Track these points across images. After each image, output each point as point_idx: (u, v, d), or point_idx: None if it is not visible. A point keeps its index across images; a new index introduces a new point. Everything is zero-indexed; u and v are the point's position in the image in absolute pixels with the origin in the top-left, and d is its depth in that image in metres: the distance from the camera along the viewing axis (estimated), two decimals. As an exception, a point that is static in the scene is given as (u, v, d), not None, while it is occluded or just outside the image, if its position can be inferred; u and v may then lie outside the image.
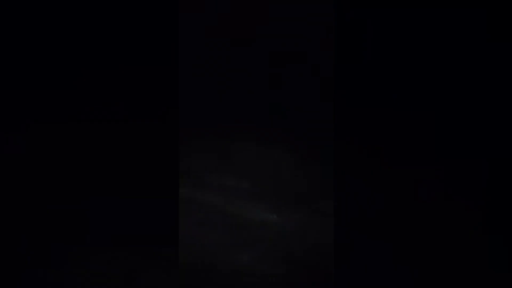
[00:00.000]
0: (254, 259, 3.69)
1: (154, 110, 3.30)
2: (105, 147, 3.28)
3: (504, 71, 3.16)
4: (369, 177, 3.20)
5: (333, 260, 3.34)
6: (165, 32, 3.33)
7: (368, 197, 3.19)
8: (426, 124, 3.20)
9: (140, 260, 3.26)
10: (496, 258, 3.10)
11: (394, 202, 3.18)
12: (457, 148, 3.18)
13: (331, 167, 3.64)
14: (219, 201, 3.83)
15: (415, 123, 3.21)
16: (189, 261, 3.59)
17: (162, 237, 3.21)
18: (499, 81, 3.17)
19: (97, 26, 3.30)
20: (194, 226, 3.72)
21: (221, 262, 3.65)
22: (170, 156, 3.30)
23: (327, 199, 3.69)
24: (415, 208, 3.18)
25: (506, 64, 3.16)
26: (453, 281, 3.13)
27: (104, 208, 3.25)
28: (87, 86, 3.30)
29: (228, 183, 3.84)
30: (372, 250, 3.18)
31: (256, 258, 3.69)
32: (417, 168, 3.19)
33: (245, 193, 3.85)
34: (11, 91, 3.22)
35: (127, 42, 3.30)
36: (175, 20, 3.32)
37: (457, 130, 3.17)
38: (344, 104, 3.24)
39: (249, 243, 3.73)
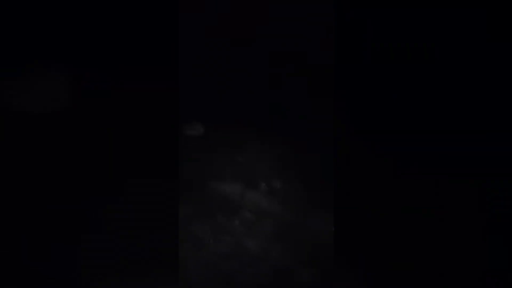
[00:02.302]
0: (252, 265, 3.70)
1: (154, 111, 3.31)
2: (104, 146, 3.29)
3: (504, 72, 3.17)
4: (370, 177, 3.21)
5: (333, 260, 3.34)
6: (165, 32, 3.34)
7: (368, 197, 3.20)
8: (426, 124, 3.21)
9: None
10: (497, 259, 3.11)
11: (395, 202, 3.19)
12: (458, 148, 3.19)
13: (331, 167, 3.64)
14: (220, 206, 3.83)
15: (415, 123, 3.21)
16: (189, 277, 3.59)
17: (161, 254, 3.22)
18: (499, 82, 3.17)
19: (97, 26, 3.30)
20: (194, 235, 3.72)
21: (222, 274, 3.66)
22: (170, 157, 3.30)
23: (327, 200, 3.70)
24: (416, 208, 3.19)
25: (506, 64, 3.16)
26: (453, 281, 3.14)
27: (101, 209, 3.25)
28: (86, 85, 3.30)
29: (229, 187, 3.85)
30: (372, 251, 3.18)
31: (255, 264, 3.70)
32: (417, 168, 3.19)
33: (245, 195, 3.85)
34: (9, 88, 3.22)
35: (126, 42, 3.30)
36: (175, 20, 3.33)
37: (457, 129, 3.18)
38: (344, 104, 3.24)
39: (249, 248, 3.73)
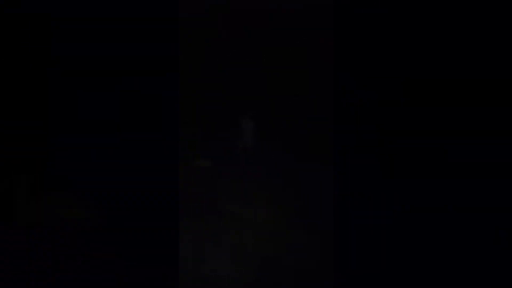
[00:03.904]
0: (253, 265, 3.70)
1: (154, 112, 3.30)
2: (104, 148, 3.28)
3: (504, 70, 3.16)
4: (370, 176, 3.20)
5: (333, 259, 3.34)
6: (165, 31, 3.33)
7: (368, 198, 3.19)
8: (427, 123, 3.20)
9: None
10: (497, 254, 3.10)
11: (395, 202, 3.18)
12: (460, 148, 3.18)
13: (331, 167, 3.65)
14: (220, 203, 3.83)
15: (415, 122, 3.21)
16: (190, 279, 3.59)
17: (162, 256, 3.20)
18: (500, 77, 3.16)
19: (98, 26, 3.30)
20: (194, 233, 3.72)
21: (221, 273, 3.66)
22: (171, 159, 3.29)
23: (327, 200, 3.70)
24: (415, 207, 3.18)
25: (506, 63, 3.16)
26: (453, 279, 3.13)
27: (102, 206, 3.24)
28: (86, 85, 3.29)
29: (229, 187, 3.85)
30: (372, 250, 3.18)
31: (255, 263, 3.69)
32: (417, 168, 3.19)
33: (246, 194, 3.86)
34: (9, 101, 3.22)
35: (127, 41, 3.30)
36: (175, 19, 3.32)
37: (459, 129, 3.17)
38: (344, 104, 3.24)
39: (248, 247, 3.73)
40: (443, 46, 3.21)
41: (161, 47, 3.34)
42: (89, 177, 3.25)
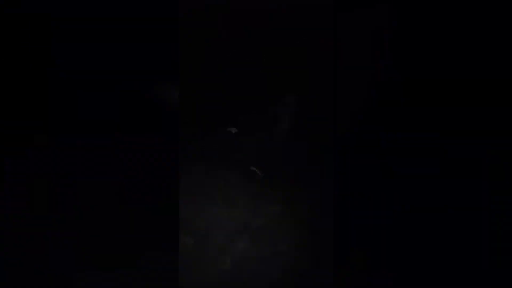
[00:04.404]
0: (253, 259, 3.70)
1: (153, 113, 3.29)
2: (105, 151, 3.28)
3: (504, 70, 3.16)
4: (370, 176, 3.20)
5: (333, 259, 3.34)
6: (165, 31, 3.32)
7: (368, 198, 3.19)
8: (427, 123, 3.20)
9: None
10: (497, 254, 3.10)
11: (395, 202, 3.18)
12: (460, 148, 3.17)
13: (331, 167, 3.65)
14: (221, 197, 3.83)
15: (415, 122, 3.21)
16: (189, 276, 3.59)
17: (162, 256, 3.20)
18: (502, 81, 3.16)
19: (98, 26, 3.29)
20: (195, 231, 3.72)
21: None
22: (171, 159, 3.29)
23: (327, 200, 3.70)
24: (415, 207, 3.18)
25: (507, 63, 3.15)
26: (452, 279, 3.13)
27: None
28: (86, 85, 3.29)
29: (229, 187, 3.85)
30: (372, 250, 3.18)
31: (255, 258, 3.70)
32: (417, 168, 3.19)
33: (246, 194, 3.86)
34: (10, 104, 3.22)
35: (127, 41, 3.29)
36: (175, 19, 3.31)
37: (459, 129, 3.17)
38: (344, 104, 3.23)
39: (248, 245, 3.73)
40: (443, 46, 3.21)
41: (161, 47, 3.33)
42: (88, 177, 3.25)
